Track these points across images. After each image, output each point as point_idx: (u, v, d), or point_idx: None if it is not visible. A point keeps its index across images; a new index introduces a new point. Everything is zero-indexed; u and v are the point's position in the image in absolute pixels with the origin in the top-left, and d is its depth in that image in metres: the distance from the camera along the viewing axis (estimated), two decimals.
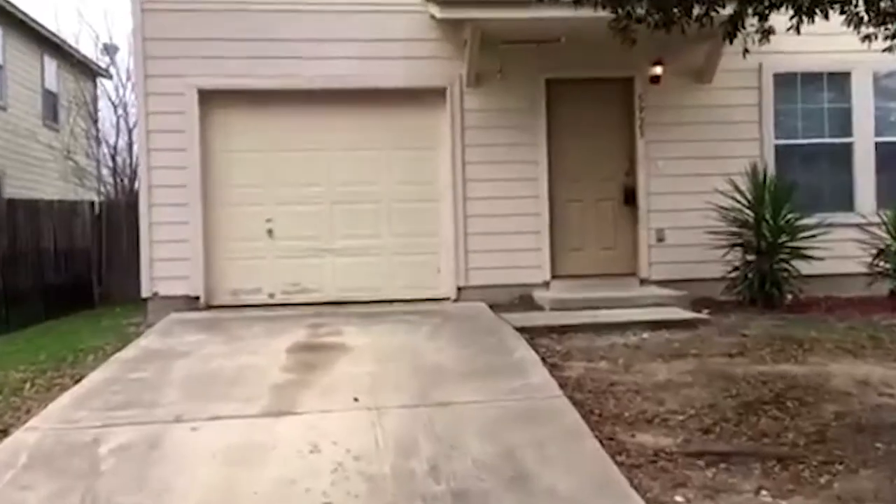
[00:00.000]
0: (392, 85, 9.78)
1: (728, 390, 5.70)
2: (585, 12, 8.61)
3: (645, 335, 7.67)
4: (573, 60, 9.85)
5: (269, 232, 9.78)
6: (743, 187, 9.46)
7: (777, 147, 10.24)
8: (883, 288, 9.47)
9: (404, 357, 6.80)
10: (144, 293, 9.48)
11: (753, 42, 6.25)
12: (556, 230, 10.02)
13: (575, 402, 5.44)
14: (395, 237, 9.94)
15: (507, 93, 9.90)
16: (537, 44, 9.77)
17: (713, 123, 10.12)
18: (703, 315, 8.45)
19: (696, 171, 10.01)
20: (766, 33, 6.22)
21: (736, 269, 9.46)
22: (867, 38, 6.41)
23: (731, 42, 6.15)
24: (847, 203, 10.32)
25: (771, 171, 9.79)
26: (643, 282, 10.02)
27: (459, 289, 9.84)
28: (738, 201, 9.41)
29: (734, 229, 9.47)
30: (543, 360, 6.61)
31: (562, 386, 5.82)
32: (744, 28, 6.15)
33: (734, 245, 9.48)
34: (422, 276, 9.91)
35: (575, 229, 10.09)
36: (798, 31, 6.25)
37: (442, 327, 8.07)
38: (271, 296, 9.73)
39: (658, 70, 10.00)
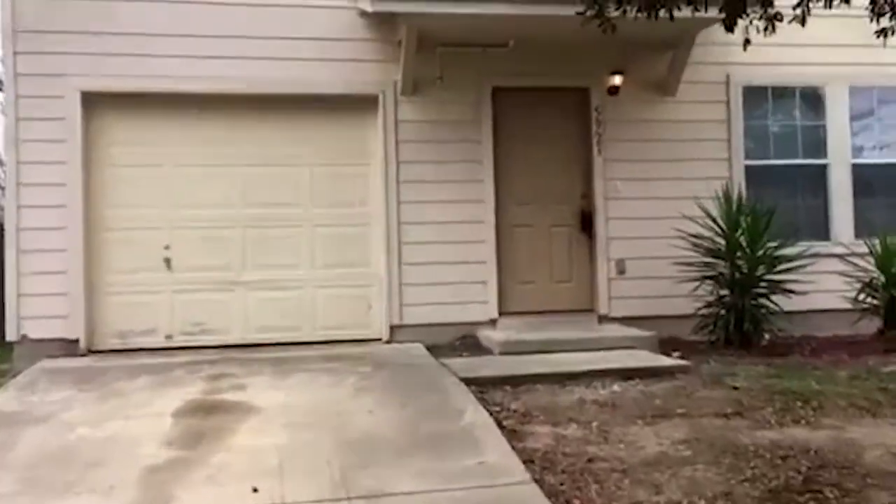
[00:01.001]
0: (315, 91, 8.41)
1: (740, 470, 4.44)
2: (540, 9, 7.64)
3: (616, 387, 6.42)
4: (523, 67, 8.68)
5: (167, 261, 8.25)
6: (714, 212, 8.37)
7: (747, 168, 9.16)
8: (869, 326, 8.47)
9: (325, 422, 5.38)
10: (10, 336, 7.82)
11: (759, 31, 5.14)
12: (503, 260, 8.75)
13: (547, 491, 4.13)
14: (318, 268, 8.54)
15: (449, 102, 8.64)
16: (483, 48, 8.58)
17: (678, 141, 9.02)
18: (680, 361, 7.22)
19: (660, 193, 8.89)
20: (772, 21, 5.12)
21: (708, 305, 8.34)
22: (882, 32, 5.43)
23: (731, 31, 5.02)
24: (822, 231, 9.31)
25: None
26: (602, 319, 8.81)
27: (393, 328, 8.47)
28: (711, 228, 8.30)
29: (705, 260, 8.36)
30: (499, 424, 5.29)
31: (527, 463, 4.52)
32: (746, 14, 5.06)
33: (705, 277, 8.37)
34: (349, 314, 8.53)
35: (525, 259, 8.84)
36: (803, 22, 5.25)
37: (373, 378, 6.67)
38: (169, 338, 8.20)
39: (617, 80, 8.88)
